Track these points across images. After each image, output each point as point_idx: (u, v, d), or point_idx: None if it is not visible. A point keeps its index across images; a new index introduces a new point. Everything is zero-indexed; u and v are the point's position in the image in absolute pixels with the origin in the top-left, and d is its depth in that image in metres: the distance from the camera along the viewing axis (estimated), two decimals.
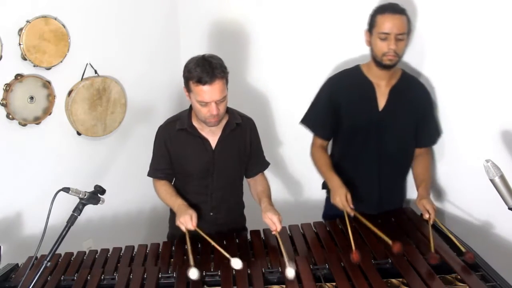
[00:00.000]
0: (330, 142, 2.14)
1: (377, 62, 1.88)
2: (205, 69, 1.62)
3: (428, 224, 1.77)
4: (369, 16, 1.88)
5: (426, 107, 2.00)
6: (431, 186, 2.17)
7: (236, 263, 1.55)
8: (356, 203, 1.86)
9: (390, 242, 1.62)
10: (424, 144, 2.05)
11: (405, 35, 1.82)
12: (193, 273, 1.50)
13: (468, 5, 1.86)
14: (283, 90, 2.46)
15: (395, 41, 1.80)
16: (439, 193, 2.16)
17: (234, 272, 1.57)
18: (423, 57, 2.06)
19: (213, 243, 1.66)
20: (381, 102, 1.95)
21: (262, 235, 1.89)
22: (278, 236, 1.71)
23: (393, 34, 1.80)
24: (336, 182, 1.89)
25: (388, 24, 1.80)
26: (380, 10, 1.84)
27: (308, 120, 2.09)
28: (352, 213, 1.80)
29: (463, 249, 1.61)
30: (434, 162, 2.15)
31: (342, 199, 1.81)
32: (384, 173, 2.01)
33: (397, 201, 2.11)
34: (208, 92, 1.64)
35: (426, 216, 1.79)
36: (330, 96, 2.00)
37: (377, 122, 1.95)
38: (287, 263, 1.53)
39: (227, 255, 1.59)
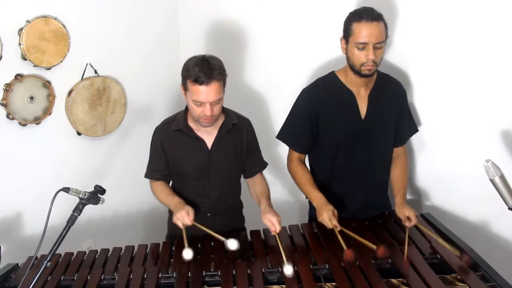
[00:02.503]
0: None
1: (355, 71, 1.80)
2: (203, 69, 1.62)
3: (406, 231, 1.75)
4: (344, 22, 1.78)
5: (403, 104, 1.97)
6: (429, 189, 2.20)
7: (232, 244, 1.62)
8: (345, 211, 1.85)
9: (374, 247, 1.59)
10: (402, 142, 2.03)
11: (383, 43, 1.74)
12: (187, 253, 1.59)
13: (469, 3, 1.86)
14: (281, 90, 2.46)
15: (373, 50, 1.71)
16: (439, 193, 2.17)
17: (234, 272, 1.57)
18: (422, 57, 2.06)
19: (209, 231, 1.70)
20: (363, 109, 1.88)
21: (262, 235, 1.89)
22: (277, 236, 1.71)
23: (371, 43, 1.70)
24: (321, 200, 1.82)
25: (365, 33, 1.70)
26: (356, 18, 1.73)
27: (286, 136, 2.00)
28: (338, 228, 1.72)
29: (457, 253, 1.61)
30: (434, 162, 2.15)
31: (330, 216, 1.74)
32: (373, 179, 1.98)
33: (387, 203, 2.08)
34: (204, 92, 1.64)
35: (407, 223, 1.76)
36: (308, 109, 1.90)
37: (362, 131, 1.89)
38: (285, 262, 1.54)
39: (222, 238, 1.65)
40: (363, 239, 1.66)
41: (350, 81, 1.88)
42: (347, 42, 1.79)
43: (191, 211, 1.71)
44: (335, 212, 1.77)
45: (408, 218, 1.77)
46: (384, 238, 1.79)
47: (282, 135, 2.02)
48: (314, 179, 1.97)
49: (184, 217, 1.68)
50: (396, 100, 1.95)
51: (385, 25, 1.76)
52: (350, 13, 1.78)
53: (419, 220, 1.85)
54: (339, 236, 1.66)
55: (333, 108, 1.89)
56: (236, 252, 1.75)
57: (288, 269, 1.52)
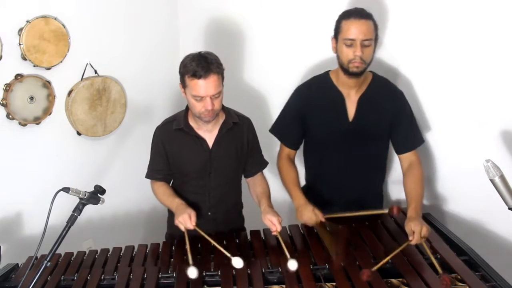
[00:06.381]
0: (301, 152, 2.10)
1: (344, 69, 1.81)
2: (200, 64, 1.63)
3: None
4: (335, 21, 1.81)
5: (399, 110, 1.92)
6: (429, 189, 2.19)
7: (237, 262, 1.55)
8: (332, 210, 1.85)
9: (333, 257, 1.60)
10: (404, 148, 1.95)
11: (371, 40, 1.75)
12: (192, 272, 1.50)
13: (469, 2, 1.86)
14: (281, 89, 2.44)
15: (361, 47, 1.73)
16: (439, 193, 2.17)
17: (234, 272, 1.57)
18: (422, 57, 2.06)
19: (213, 242, 1.66)
20: (351, 112, 1.89)
21: (262, 235, 1.89)
22: (278, 235, 1.71)
23: (358, 40, 1.72)
24: (301, 200, 1.83)
25: (353, 29, 1.73)
26: (346, 16, 1.77)
27: (277, 129, 2.05)
28: (323, 220, 1.74)
29: (439, 271, 1.49)
30: (433, 162, 2.15)
31: (311, 216, 1.76)
32: (360, 181, 1.97)
33: (377, 202, 2.07)
34: (203, 86, 1.65)
35: (410, 238, 1.63)
36: (299, 106, 1.95)
37: (348, 133, 1.90)
38: (288, 257, 1.55)
39: (228, 254, 1.59)
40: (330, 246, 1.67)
41: (341, 82, 1.89)
42: (336, 40, 1.81)
43: (193, 214, 1.70)
44: (316, 210, 1.77)
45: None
46: (384, 238, 1.79)
47: (274, 129, 2.07)
48: (305, 176, 2.00)
49: (186, 221, 1.68)
50: (390, 105, 1.91)
51: (375, 25, 1.77)
52: (341, 12, 1.81)
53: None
54: (328, 241, 1.67)
55: (321, 108, 1.92)
56: (236, 252, 1.76)
57: (292, 264, 1.53)
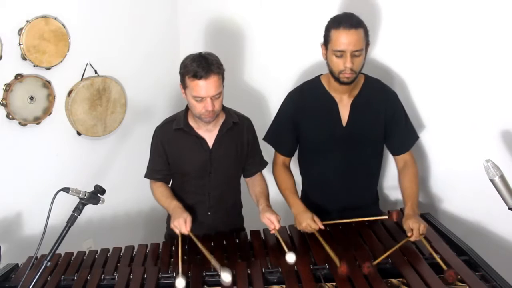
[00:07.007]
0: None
1: (335, 78, 1.78)
2: (201, 64, 1.64)
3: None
4: (325, 28, 1.77)
5: (393, 111, 1.90)
6: (429, 189, 2.19)
7: (226, 277, 1.49)
8: (327, 215, 1.85)
9: (338, 263, 1.54)
10: (400, 150, 1.94)
11: (362, 50, 1.71)
12: (180, 283, 1.46)
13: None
14: (281, 90, 2.44)
15: (351, 58, 1.69)
16: (438, 193, 2.17)
17: (234, 272, 1.57)
18: (421, 56, 2.06)
19: (204, 251, 1.61)
20: (344, 116, 1.87)
21: (262, 235, 1.89)
22: (277, 233, 1.71)
23: (348, 51, 1.68)
24: (300, 207, 1.82)
25: (343, 40, 1.68)
26: (335, 24, 1.71)
27: (271, 137, 2.02)
28: (322, 227, 1.74)
29: (444, 267, 1.50)
30: (430, 162, 2.15)
31: (310, 223, 1.75)
32: (354, 185, 1.96)
33: (372, 208, 2.06)
34: (204, 87, 1.65)
35: (409, 234, 1.65)
36: (290, 113, 1.93)
37: (342, 138, 1.88)
38: (286, 250, 1.55)
39: (217, 267, 1.54)
40: (329, 249, 1.63)
41: (333, 88, 1.87)
42: (326, 48, 1.78)
43: (188, 219, 1.69)
44: (315, 217, 1.77)
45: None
46: (383, 238, 1.79)
47: (268, 137, 2.04)
48: (302, 182, 2.00)
49: (182, 226, 1.67)
50: (383, 107, 1.89)
51: (366, 32, 1.73)
52: (331, 18, 1.77)
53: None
54: (326, 245, 1.66)
55: (314, 113, 1.90)
56: (236, 252, 1.76)
57: (290, 257, 1.53)
